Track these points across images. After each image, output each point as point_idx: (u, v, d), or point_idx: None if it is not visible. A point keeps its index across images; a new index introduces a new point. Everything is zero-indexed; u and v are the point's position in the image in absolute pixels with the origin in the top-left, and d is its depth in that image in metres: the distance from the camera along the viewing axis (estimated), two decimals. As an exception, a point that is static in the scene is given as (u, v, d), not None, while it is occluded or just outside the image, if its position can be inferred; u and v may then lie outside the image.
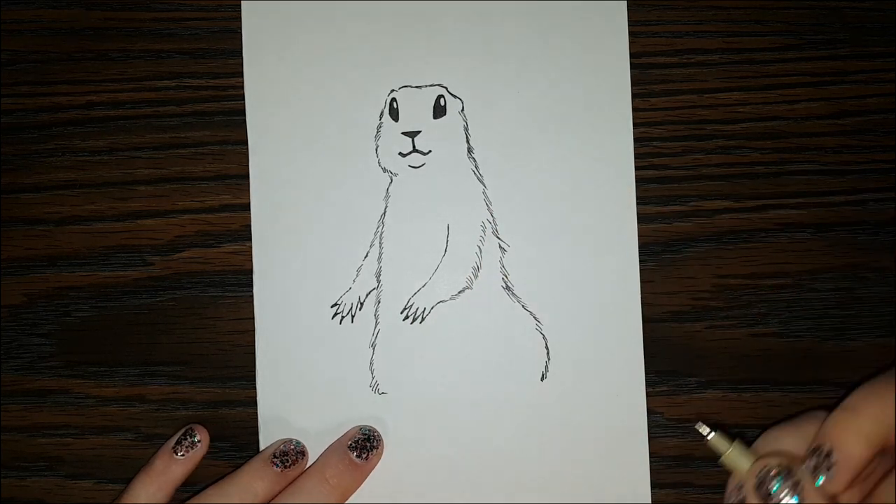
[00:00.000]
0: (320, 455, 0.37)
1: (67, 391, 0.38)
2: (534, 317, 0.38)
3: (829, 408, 0.29)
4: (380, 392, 0.38)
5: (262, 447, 0.37)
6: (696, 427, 0.30)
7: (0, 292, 0.39)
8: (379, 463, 0.37)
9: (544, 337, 0.38)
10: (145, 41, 0.39)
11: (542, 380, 0.37)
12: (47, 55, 0.39)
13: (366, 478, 0.37)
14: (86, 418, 0.38)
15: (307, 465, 0.37)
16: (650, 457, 0.37)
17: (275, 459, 0.36)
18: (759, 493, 0.27)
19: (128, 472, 0.38)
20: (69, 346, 0.38)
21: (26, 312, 0.39)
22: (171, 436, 0.36)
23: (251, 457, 0.37)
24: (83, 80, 0.39)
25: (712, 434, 0.30)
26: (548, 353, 0.38)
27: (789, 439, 0.29)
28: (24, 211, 0.39)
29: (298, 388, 0.38)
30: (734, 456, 0.29)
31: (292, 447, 0.36)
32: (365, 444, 0.36)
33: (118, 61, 0.39)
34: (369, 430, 0.37)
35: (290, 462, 0.36)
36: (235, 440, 0.38)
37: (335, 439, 0.37)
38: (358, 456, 0.36)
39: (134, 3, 0.39)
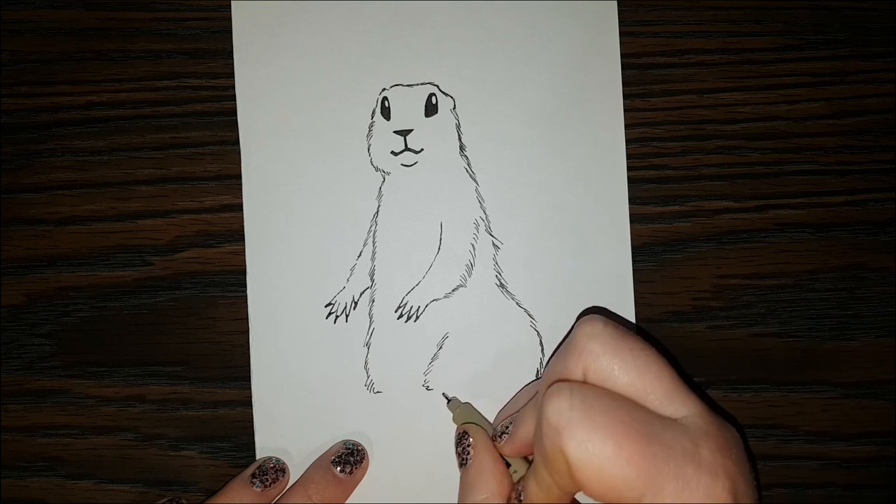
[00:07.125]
0: (305, 471, 0.36)
1: (67, 391, 0.38)
2: (528, 313, 0.38)
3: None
4: (375, 391, 0.37)
5: (257, 448, 0.37)
6: (443, 395, 0.37)
7: (0, 292, 0.39)
8: (370, 467, 0.37)
9: (539, 334, 0.38)
10: (145, 41, 0.39)
11: (536, 376, 0.37)
12: (47, 55, 0.39)
13: (351, 492, 0.36)
14: (86, 418, 0.38)
15: (289, 482, 0.36)
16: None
17: (254, 479, 0.35)
18: (456, 448, 0.35)
19: (128, 472, 0.38)
20: (69, 346, 0.38)
21: (26, 312, 0.39)
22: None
23: (251, 457, 0.37)
24: (83, 80, 0.39)
25: (452, 399, 0.37)
26: (542, 350, 0.37)
27: (510, 408, 0.36)
28: (24, 211, 0.39)
29: (293, 387, 0.37)
30: (456, 415, 0.37)
31: (271, 465, 0.36)
32: (349, 458, 0.36)
33: (118, 61, 0.39)
34: (353, 445, 0.37)
35: (269, 481, 0.36)
36: (235, 440, 0.38)
37: (330, 438, 0.37)
38: (342, 471, 0.36)
39: (134, 3, 0.39)
